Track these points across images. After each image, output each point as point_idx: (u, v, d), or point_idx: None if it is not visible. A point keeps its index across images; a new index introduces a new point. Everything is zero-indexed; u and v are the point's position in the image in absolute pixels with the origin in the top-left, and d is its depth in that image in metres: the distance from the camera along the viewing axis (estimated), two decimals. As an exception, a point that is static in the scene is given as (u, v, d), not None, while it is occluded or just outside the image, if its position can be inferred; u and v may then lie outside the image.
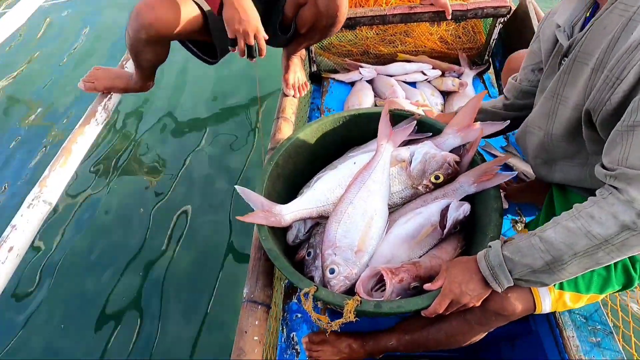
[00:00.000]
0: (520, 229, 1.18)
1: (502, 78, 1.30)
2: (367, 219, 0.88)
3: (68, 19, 3.23)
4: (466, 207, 0.92)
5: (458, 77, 1.66)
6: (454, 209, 0.93)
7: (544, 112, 0.84)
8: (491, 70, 1.78)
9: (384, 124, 1.00)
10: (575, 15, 0.78)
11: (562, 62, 0.79)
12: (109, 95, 1.34)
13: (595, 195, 0.65)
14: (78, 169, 1.22)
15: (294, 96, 1.52)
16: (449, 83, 1.57)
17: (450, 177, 1.00)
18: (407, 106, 1.30)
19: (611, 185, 0.63)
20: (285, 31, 1.30)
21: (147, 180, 2.05)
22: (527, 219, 1.20)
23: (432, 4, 1.47)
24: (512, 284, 0.71)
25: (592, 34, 0.70)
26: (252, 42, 1.05)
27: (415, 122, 1.04)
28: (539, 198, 1.20)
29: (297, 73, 1.56)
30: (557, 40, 0.81)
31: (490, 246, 0.74)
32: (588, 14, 0.76)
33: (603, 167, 0.66)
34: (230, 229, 1.78)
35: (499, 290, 0.72)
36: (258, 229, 0.86)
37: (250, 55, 1.08)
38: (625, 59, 0.61)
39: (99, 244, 1.78)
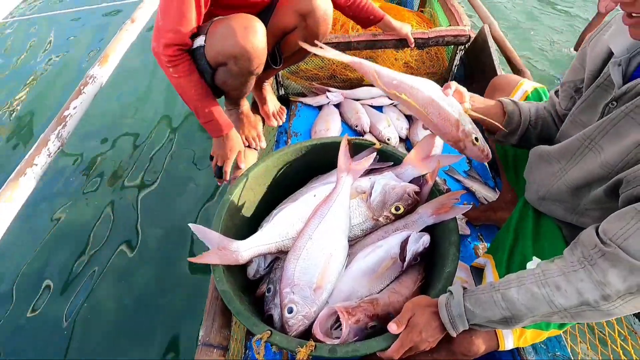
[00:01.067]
0: (481, 254, 1.20)
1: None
2: (326, 254, 0.87)
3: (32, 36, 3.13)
4: (426, 239, 0.92)
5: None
6: (414, 241, 0.93)
7: (568, 150, 0.75)
8: (455, 93, 1.82)
9: (342, 156, 0.99)
10: (636, 46, 0.62)
11: (610, 105, 0.67)
12: (64, 123, 1.29)
13: (568, 244, 0.64)
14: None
15: (278, 125, 1.60)
16: None
17: (411, 208, 1.01)
18: None
19: (588, 259, 0.59)
20: (275, 62, 1.30)
21: (103, 202, 1.97)
22: (488, 245, 1.22)
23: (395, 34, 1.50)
24: (467, 328, 0.70)
25: None
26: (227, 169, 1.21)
27: (375, 153, 1.04)
28: (501, 218, 1.22)
29: (273, 101, 1.59)
30: (605, 69, 0.69)
31: (451, 292, 0.73)
32: None
33: (597, 233, 0.61)
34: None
35: (454, 335, 0.72)
36: (213, 270, 0.83)
37: (219, 176, 1.26)
38: None
39: (45, 265, 1.69)
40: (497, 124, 0.89)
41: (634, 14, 0.54)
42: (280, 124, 1.61)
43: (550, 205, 0.86)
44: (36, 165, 1.17)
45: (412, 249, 0.91)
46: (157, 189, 2.02)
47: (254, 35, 1.05)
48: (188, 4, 1.01)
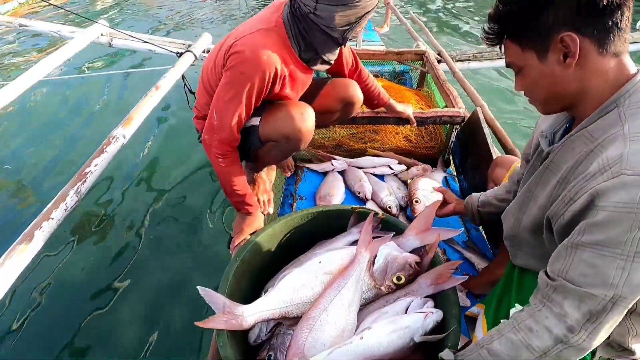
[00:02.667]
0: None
1: (489, 177, 1.45)
2: (339, 329, 0.87)
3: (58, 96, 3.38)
4: (438, 315, 0.92)
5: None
6: (416, 307, 0.96)
7: (518, 203, 0.90)
8: (452, 166, 1.94)
9: (366, 233, 1.04)
10: (558, 123, 0.83)
11: (542, 164, 0.84)
12: (84, 179, 1.36)
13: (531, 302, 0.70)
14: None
15: (287, 176, 1.80)
16: (414, 171, 1.72)
17: (412, 277, 1.04)
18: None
19: (546, 297, 0.67)
20: None
21: (116, 244, 1.99)
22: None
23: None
24: None
25: (564, 149, 0.75)
26: (237, 241, 1.26)
27: (392, 234, 1.10)
28: (499, 276, 1.24)
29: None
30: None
31: (442, 358, 0.75)
32: (567, 125, 0.82)
33: (546, 274, 0.70)
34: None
35: None
36: (217, 335, 0.84)
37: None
38: (582, 184, 0.65)
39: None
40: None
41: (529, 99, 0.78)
42: (289, 175, 1.80)
43: (523, 256, 0.94)
44: (52, 219, 1.22)
45: (423, 328, 0.90)
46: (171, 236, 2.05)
47: (308, 121, 1.24)
48: (243, 116, 1.15)
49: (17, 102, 1.97)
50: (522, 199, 0.89)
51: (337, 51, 1.25)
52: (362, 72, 1.51)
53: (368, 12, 1.08)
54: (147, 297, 1.77)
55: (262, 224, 1.29)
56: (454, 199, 1.26)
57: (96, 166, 1.42)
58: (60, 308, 1.73)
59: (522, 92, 0.79)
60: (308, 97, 1.41)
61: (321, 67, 1.27)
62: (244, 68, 1.08)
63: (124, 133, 1.60)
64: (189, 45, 2.51)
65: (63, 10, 3.07)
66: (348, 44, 1.40)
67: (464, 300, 1.28)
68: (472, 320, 1.00)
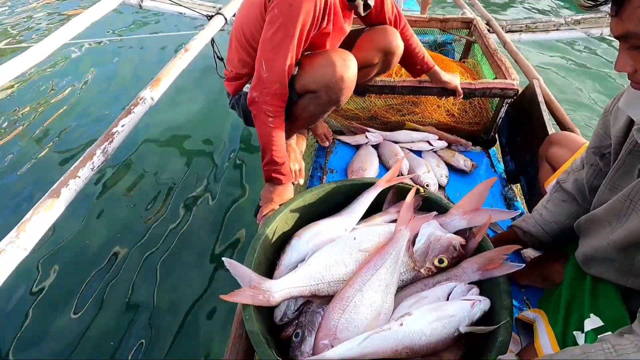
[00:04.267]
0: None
1: (541, 156, 1.30)
2: (374, 312, 0.79)
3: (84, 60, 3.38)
4: (485, 304, 0.83)
5: (464, 150, 1.66)
6: (459, 293, 0.87)
7: (614, 210, 0.76)
8: (497, 145, 1.78)
9: (407, 208, 0.94)
10: None
11: None
12: (111, 139, 1.32)
13: (635, 318, 0.59)
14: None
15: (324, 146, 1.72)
16: (461, 162, 1.56)
17: (455, 261, 0.94)
18: None
19: None
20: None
21: (140, 217, 1.99)
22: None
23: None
24: None
25: None
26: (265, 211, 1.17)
27: (434, 213, 0.99)
28: (553, 271, 1.12)
29: (323, 125, 1.71)
30: (630, 135, 0.72)
31: None
32: None
33: None
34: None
35: None
36: (242, 307, 0.78)
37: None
38: None
39: (71, 283, 1.67)
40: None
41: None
42: (327, 145, 1.70)
43: (602, 267, 0.81)
44: (79, 177, 1.19)
45: (469, 317, 0.81)
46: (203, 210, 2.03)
47: (350, 68, 1.12)
48: (293, 58, 1.06)
49: (46, 63, 1.95)
50: (618, 207, 0.74)
51: None
52: (405, 28, 1.36)
53: None
54: (169, 268, 1.76)
55: (292, 195, 1.21)
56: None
57: (123, 126, 1.38)
58: (79, 273, 1.75)
59: (625, 73, 0.59)
60: (344, 48, 1.28)
61: (361, 6, 1.16)
62: (290, 1, 0.98)
63: (151, 95, 1.55)
64: (220, 8, 2.40)
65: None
66: None
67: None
68: (526, 325, 0.90)
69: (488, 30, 2.18)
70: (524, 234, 1.05)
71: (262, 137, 1.13)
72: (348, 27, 1.25)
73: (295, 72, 1.13)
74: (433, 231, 0.95)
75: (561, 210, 0.99)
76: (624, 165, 0.75)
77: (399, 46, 1.30)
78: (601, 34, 2.41)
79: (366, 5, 1.17)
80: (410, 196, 0.96)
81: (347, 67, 1.11)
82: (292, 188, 1.26)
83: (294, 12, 0.99)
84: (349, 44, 1.31)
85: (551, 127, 1.41)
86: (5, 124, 2.73)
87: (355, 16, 1.29)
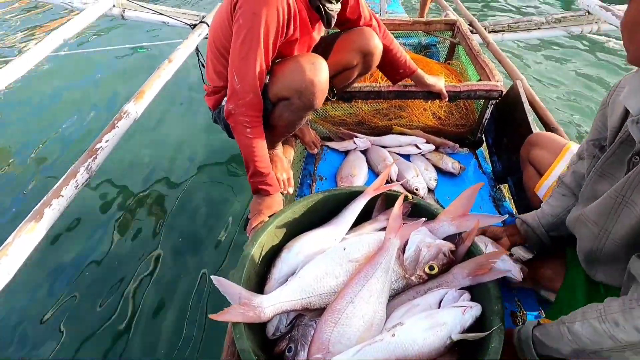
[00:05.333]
0: (520, 323, 1.09)
1: (522, 158, 1.31)
2: (367, 323, 0.79)
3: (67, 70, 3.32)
4: (476, 310, 0.83)
5: (452, 153, 1.67)
6: (450, 299, 0.87)
7: (604, 209, 0.78)
8: (484, 146, 1.79)
9: (396, 217, 0.94)
10: None
11: (634, 159, 0.72)
12: (95, 155, 1.30)
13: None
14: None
15: (313, 153, 1.70)
16: (449, 164, 1.57)
17: (445, 267, 0.94)
18: None
19: None
20: (333, 95, 1.41)
21: (126, 233, 1.96)
22: (527, 313, 1.12)
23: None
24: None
25: None
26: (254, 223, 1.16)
27: (423, 219, 0.99)
28: (545, 275, 1.12)
29: (310, 132, 1.70)
30: (624, 126, 0.74)
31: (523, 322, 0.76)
32: None
33: None
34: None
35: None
36: (233, 326, 0.77)
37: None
38: None
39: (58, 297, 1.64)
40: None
41: None
42: (315, 152, 1.69)
43: (608, 272, 0.83)
44: (62, 196, 1.16)
45: (461, 324, 0.81)
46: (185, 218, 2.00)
47: (320, 71, 1.11)
48: (264, 67, 1.05)
49: (26, 77, 1.91)
50: (609, 205, 0.76)
51: None
52: (385, 34, 1.37)
53: None
54: (158, 285, 1.73)
55: (281, 206, 1.20)
56: (500, 231, 1.12)
57: (107, 142, 1.36)
58: (68, 294, 1.71)
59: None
60: (321, 54, 1.26)
61: (332, 15, 1.16)
62: (254, 7, 0.99)
63: (135, 108, 1.53)
64: (203, 17, 2.38)
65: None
66: (364, 2, 1.27)
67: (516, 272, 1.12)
68: None
69: (471, 31, 2.21)
70: (521, 223, 1.08)
71: (243, 149, 1.13)
72: (317, 35, 1.25)
73: (267, 81, 1.13)
74: (422, 238, 0.95)
75: (560, 203, 1.01)
76: (614, 154, 0.78)
77: (377, 46, 1.30)
78: (581, 31, 2.45)
79: (328, 22, 1.17)
80: (398, 205, 0.96)
81: (317, 70, 1.10)
82: (281, 198, 1.25)
83: (257, 21, 0.99)
84: (326, 48, 1.31)
85: (535, 127, 1.42)
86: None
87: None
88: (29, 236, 1.04)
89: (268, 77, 1.13)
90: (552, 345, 0.74)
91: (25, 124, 2.77)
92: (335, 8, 1.15)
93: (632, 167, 0.73)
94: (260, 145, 1.12)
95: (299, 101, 1.14)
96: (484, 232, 1.12)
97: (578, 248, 0.91)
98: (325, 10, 1.12)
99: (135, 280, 1.75)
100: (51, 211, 1.12)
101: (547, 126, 1.50)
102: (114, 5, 2.51)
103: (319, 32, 1.25)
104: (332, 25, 1.19)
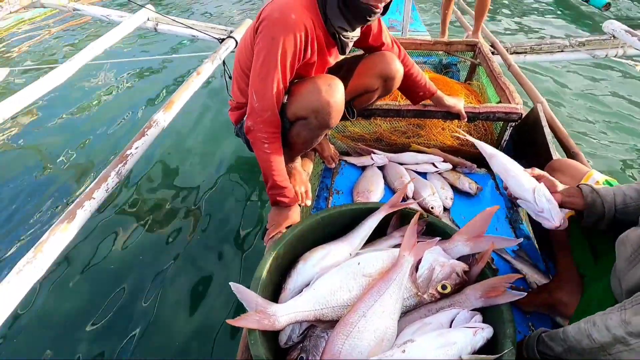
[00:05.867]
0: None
1: None
2: (378, 338, 0.81)
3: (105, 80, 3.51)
4: (488, 332, 0.84)
5: (469, 172, 1.67)
6: (462, 320, 0.88)
7: None
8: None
9: (410, 234, 0.96)
10: None
11: None
12: (125, 161, 1.37)
13: None
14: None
15: (331, 167, 1.75)
16: (466, 184, 1.57)
17: (458, 287, 0.95)
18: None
19: (626, 305, 0.70)
20: (350, 115, 1.47)
21: (150, 237, 2.03)
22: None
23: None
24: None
25: None
26: (272, 234, 1.20)
27: (438, 239, 1.01)
28: (559, 301, 1.11)
29: (330, 147, 1.74)
30: None
31: None
32: None
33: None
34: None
35: None
36: (248, 332, 0.80)
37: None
38: None
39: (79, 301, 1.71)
40: None
41: None
42: (333, 166, 1.73)
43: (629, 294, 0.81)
44: (94, 199, 1.23)
45: (471, 345, 0.82)
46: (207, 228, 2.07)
47: (336, 93, 1.16)
48: (281, 87, 1.11)
49: (67, 84, 2.04)
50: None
51: (358, 26, 1.18)
52: (405, 58, 1.41)
53: None
54: (179, 290, 1.78)
55: (298, 218, 1.24)
56: (556, 185, 1.04)
57: (137, 149, 1.44)
58: (88, 295, 1.78)
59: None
60: (342, 77, 1.32)
61: (347, 42, 1.20)
62: (274, 32, 1.05)
63: (164, 117, 1.61)
64: (231, 32, 2.49)
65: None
66: (384, 25, 1.31)
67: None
68: None
69: (492, 52, 2.22)
70: (591, 191, 0.98)
71: (262, 163, 1.18)
72: (333, 60, 1.29)
73: (285, 100, 1.18)
74: (436, 257, 0.96)
75: (635, 188, 0.96)
76: None
77: (398, 70, 1.34)
78: (606, 55, 2.43)
79: (342, 50, 1.23)
80: (413, 222, 0.98)
81: (333, 91, 1.15)
82: (299, 210, 1.29)
83: (276, 45, 1.04)
84: (349, 70, 1.36)
85: (555, 152, 1.42)
86: (26, 142, 2.83)
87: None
88: (63, 235, 1.11)
89: (286, 96, 1.18)
90: (549, 342, 0.81)
91: (63, 128, 2.94)
92: (351, 36, 1.20)
93: None
94: (278, 160, 1.17)
95: (316, 120, 1.19)
96: (540, 177, 1.06)
97: (616, 263, 0.90)
98: (340, 37, 1.16)
99: (154, 282, 1.81)
100: (83, 212, 1.19)
101: (568, 151, 1.49)
102: (148, 19, 2.66)
103: (336, 56, 1.30)
104: (347, 52, 1.25)
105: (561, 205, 1.02)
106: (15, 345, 1.58)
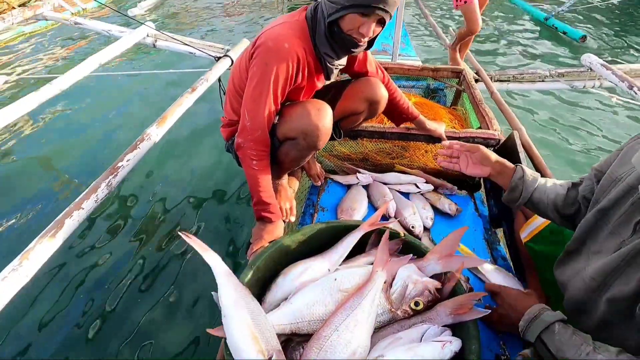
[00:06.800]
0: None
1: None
2: (349, 351, 0.84)
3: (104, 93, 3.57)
4: (456, 345, 0.87)
5: (450, 194, 1.74)
6: (432, 335, 0.92)
7: (608, 267, 0.78)
8: (482, 189, 1.86)
9: (382, 251, 1.01)
10: None
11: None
12: (115, 173, 1.41)
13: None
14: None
15: (317, 185, 1.79)
16: (446, 205, 1.64)
17: (430, 304, 0.99)
18: None
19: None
20: (336, 135, 1.53)
21: (137, 249, 2.04)
22: (511, 356, 1.14)
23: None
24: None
25: None
26: (255, 248, 1.25)
27: (410, 256, 1.06)
28: None
29: (316, 165, 1.78)
30: (636, 187, 0.76)
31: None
32: None
33: None
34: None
35: None
36: (225, 343, 0.83)
37: None
38: None
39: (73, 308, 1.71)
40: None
41: None
42: (319, 184, 1.78)
43: (598, 333, 0.83)
44: (83, 209, 1.27)
45: (440, 358, 0.85)
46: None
47: (325, 117, 1.23)
48: (272, 109, 1.18)
49: (65, 94, 2.09)
50: (616, 260, 0.77)
51: (343, 55, 1.25)
52: (389, 83, 1.50)
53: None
54: (163, 301, 1.80)
55: (281, 233, 1.28)
56: (487, 159, 1.16)
57: (128, 161, 1.48)
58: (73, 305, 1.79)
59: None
60: (330, 100, 1.42)
61: (332, 69, 1.28)
62: (267, 59, 1.12)
63: (157, 131, 1.66)
64: (227, 50, 2.58)
65: (120, 13, 3.27)
66: (369, 53, 1.39)
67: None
68: None
69: (476, 80, 2.33)
70: (521, 175, 1.09)
71: (249, 179, 1.23)
72: (320, 84, 1.38)
73: (276, 121, 1.25)
74: (410, 274, 1.01)
75: (556, 191, 1.04)
76: (625, 213, 0.80)
77: (383, 95, 1.43)
78: (584, 86, 2.56)
79: (327, 76, 1.31)
80: (384, 239, 1.03)
81: (322, 116, 1.23)
82: (282, 225, 1.33)
83: (269, 71, 1.12)
84: (336, 93, 1.44)
85: (529, 176, 1.49)
86: (20, 152, 2.85)
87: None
88: (50, 243, 1.14)
89: (277, 117, 1.25)
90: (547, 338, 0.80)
91: (57, 139, 2.98)
92: (336, 63, 1.28)
93: (638, 230, 0.75)
94: (265, 177, 1.23)
95: (304, 142, 1.26)
96: (475, 150, 1.18)
97: (566, 298, 0.94)
98: (326, 64, 1.24)
99: (136, 290, 1.82)
100: (71, 221, 1.22)
101: (542, 174, 1.57)
102: (147, 35, 2.75)
103: (323, 81, 1.38)
104: (331, 79, 1.33)
105: (489, 177, 1.15)
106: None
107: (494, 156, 1.16)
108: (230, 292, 0.87)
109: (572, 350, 0.73)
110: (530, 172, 1.11)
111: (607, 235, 0.84)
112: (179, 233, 0.96)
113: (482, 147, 1.18)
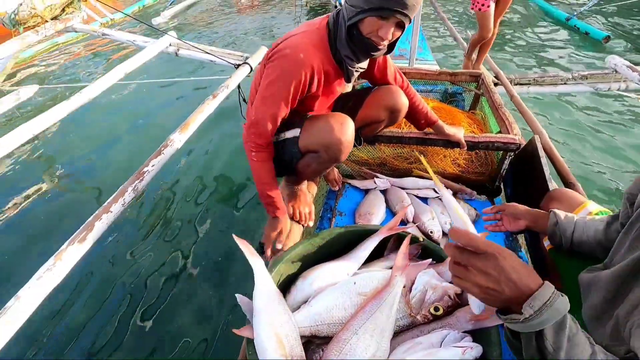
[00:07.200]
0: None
1: (542, 210, 1.34)
2: (369, 355, 0.84)
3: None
4: (477, 351, 0.87)
5: (469, 199, 1.72)
6: (452, 340, 0.91)
7: (619, 279, 0.77)
8: (502, 194, 1.83)
9: (402, 255, 1.02)
10: None
11: None
12: (141, 178, 1.47)
13: None
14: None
15: (334, 189, 1.82)
16: (465, 210, 1.62)
17: (450, 310, 0.99)
18: None
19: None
20: (357, 142, 1.55)
21: (161, 249, 2.10)
22: None
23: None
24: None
25: None
26: (268, 247, 1.31)
27: (429, 260, 1.06)
28: None
29: (335, 170, 1.80)
30: None
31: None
32: None
33: None
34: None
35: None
36: (247, 343, 0.86)
37: (261, 252, 1.30)
38: None
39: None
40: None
41: None
42: (337, 188, 1.80)
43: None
44: (111, 212, 1.32)
45: None
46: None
47: (347, 131, 1.25)
48: (279, 110, 1.21)
49: (93, 102, 2.19)
50: (626, 271, 0.75)
51: (364, 59, 1.26)
52: (408, 89, 1.50)
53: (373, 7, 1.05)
54: (184, 298, 1.85)
55: (287, 229, 1.31)
56: (521, 213, 1.17)
57: (153, 166, 1.54)
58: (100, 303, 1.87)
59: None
60: (352, 108, 1.44)
61: (353, 71, 1.28)
62: (283, 66, 1.15)
63: (180, 137, 1.72)
64: (247, 58, 2.64)
65: (145, 25, 3.41)
66: (389, 58, 1.40)
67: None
68: None
69: (496, 83, 2.31)
70: (555, 223, 1.07)
71: (253, 172, 1.28)
72: (340, 89, 1.39)
73: (298, 134, 1.28)
74: (429, 279, 1.01)
75: (593, 226, 1.02)
76: None
77: (404, 104, 1.44)
78: (609, 88, 2.49)
79: (348, 78, 1.31)
80: (404, 245, 1.03)
81: (344, 130, 1.24)
82: (288, 221, 1.36)
83: (282, 77, 1.16)
84: (357, 101, 1.45)
85: (552, 182, 1.47)
86: (51, 155, 2.99)
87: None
88: (80, 245, 1.19)
89: (299, 130, 1.28)
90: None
91: (87, 145, 3.11)
92: (357, 66, 1.28)
93: None
94: (266, 168, 1.26)
95: (326, 155, 1.28)
96: (503, 208, 1.20)
97: (585, 308, 0.92)
98: (346, 66, 1.25)
99: (162, 290, 1.88)
100: (100, 224, 1.27)
101: (565, 180, 1.54)
102: (170, 45, 2.84)
103: (343, 86, 1.39)
104: (352, 80, 1.33)
105: (526, 229, 1.16)
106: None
107: (521, 207, 1.18)
108: (264, 296, 0.90)
109: (577, 350, 0.64)
110: (564, 215, 1.09)
111: (627, 249, 0.83)
112: (233, 236, 1.01)
113: (508, 205, 1.21)
